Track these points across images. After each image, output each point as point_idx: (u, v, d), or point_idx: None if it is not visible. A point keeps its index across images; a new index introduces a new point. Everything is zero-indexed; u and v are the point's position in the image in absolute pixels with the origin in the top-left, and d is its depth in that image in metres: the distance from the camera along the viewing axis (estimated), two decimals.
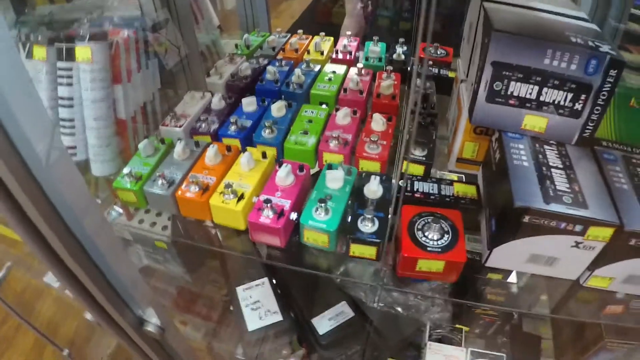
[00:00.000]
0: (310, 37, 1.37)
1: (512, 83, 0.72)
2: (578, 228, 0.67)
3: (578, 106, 0.72)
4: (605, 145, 0.79)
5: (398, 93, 1.07)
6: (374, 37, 1.28)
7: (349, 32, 1.35)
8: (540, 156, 0.74)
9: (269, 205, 0.79)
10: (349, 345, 1.20)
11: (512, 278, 0.88)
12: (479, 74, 0.74)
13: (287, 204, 0.82)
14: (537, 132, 0.77)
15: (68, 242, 0.60)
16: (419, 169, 0.90)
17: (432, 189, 0.85)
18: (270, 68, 1.15)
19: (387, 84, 1.07)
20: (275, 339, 1.31)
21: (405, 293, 0.99)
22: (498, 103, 0.75)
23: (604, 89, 0.69)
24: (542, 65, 0.70)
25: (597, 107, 0.71)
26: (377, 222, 0.79)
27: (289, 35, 1.40)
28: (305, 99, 1.11)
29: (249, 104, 1.04)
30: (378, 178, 0.84)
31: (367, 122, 0.99)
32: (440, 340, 1.09)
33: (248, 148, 0.93)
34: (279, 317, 1.22)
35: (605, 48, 0.68)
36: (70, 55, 0.88)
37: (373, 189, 0.83)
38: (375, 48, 1.26)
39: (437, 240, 0.76)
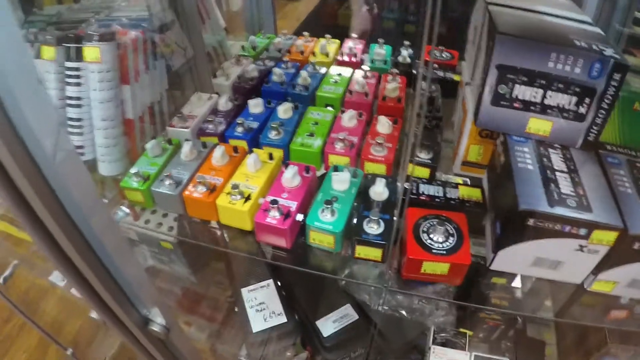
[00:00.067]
0: (316, 39, 1.38)
1: (517, 86, 0.73)
2: (582, 231, 0.67)
3: (582, 110, 0.72)
4: (609, 149, 0.79)
5: (403, 96, 1.08)
6: (379, 40, 1.28)
7: (355, 35, 1.36)
8: (545, 159, 0.75)
9: (275, 206, 0.80)
10: (353, 348, 1.20)
11: (517, 282, 0.88)
12: (483, 77, 0.75)
13: (293, 205, 0.82)
14: (542, 135, 0.77)
15: (76, 241, 0.60)
16: (424, 172, 0.91)
17: (438, 192, 0.86)
18: (276, 70, 1.15)
19: (392, 86, 1.07)
20: (279, 341, 1.31)
21: (409, 296, 0.99)
22: (503, 106, 0.76)
23: (608, 93, 0.69)
24: (546, 69, 0.70)
25: (601, 111, 0.71)
26: (382, 224, 0.79)
27: (295, 37, 1.41)
28: (311, 101, 1.11)
29: (255, 105, 1.04)
30: (384, 180, 0.84)
31: (372, 125, 0.99)
32: (444, 344, 1.09)
33: (255, 149, 0.94)
34: (283, 319, 1.23)
35: (609, 52, 0.68)
36: (78, 56, 0.89)
37: (379, 191, 0.84)
38: (381, 51, 1.26)
39: (442, 242, 0.76)
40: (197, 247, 1.29)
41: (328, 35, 1.37)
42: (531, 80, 0.72)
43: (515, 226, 0.70)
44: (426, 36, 0.47)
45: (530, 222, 0.67)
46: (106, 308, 0.74)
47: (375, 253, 0.79)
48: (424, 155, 0.90)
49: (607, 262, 0.71)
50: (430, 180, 0.89)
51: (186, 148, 0.92)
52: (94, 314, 1.43)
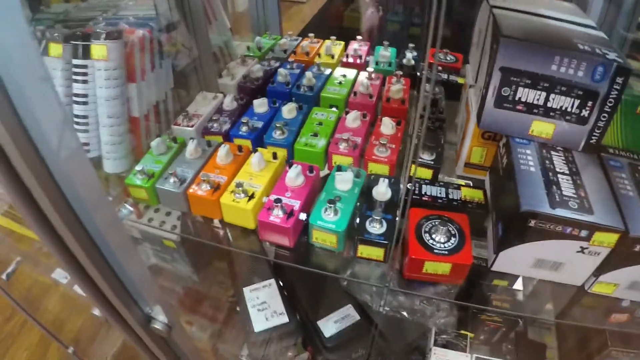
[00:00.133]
0: (321, 40, 1.38)
1: (520, 89, 0.73)
2: (583, 233, 0.67)
3: (585, 113, 0.72)
4: (611, 152, 0.79)
5: (407, 98, 1.08)
6: (384, 42, 1.29)
7: (364, 35, 1.36)
8: (547, 162, 0.75)
9: (279, 205, 0.81)
10: (354, 349, 1.21)
11: (518, 285, 0.88)
12: (487, 80, 0.75)
13: (296, 204, 0.83)
14: (545, 138, 0.78)
15: (80, 238, 0.60)
16: (427, 173, 0.91)
17: (440, 193, 0.86)
18: (281, 70, 1.16)
19: (396, 88, 1.08)
20: (280, 341, 1.32)
21: (411, 297, 1.00)
22: (506, 108, 0.76)
23: (610, 96, 0.70)
24: (549, 72, 0.71)
25: (603, 114, 0.72)
26: (385, 224, 0.80)
27: (300, 38, 1.41)
28: (316, 101, 1.12)
29: (260, 105, 1.05)
30: (387, 180, 0.85)
31: (376, 126, 1.00)
32: (445, 345, 1.09)
33: (259, 148, 0.94)
34: (285, 319, 1.23)
35: (612, 55, 0.68)
36: (86, 53, 0.90)
37: (382, 191, 0.84)
38: (386, 53, 1.27)
39: (443, 242, 0.77)
40: (199, 246, 1.30)
41: (333, 37, 1.38)
42: (534, 83, 0.72)
43: (517, 227, 0.70)
44: (430, 39, 0.48)
45: (532, 223, 0.68)
46: (109, 305, 0.74)
47: (377, 252, 0.80)
48: (427, 157, 0.91)
49: (608, 264, 0.71)
50: (433, 181, 0.89)
51: (191, 146, 0.93)
52: (96, 312, 1.43)
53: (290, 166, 0.87)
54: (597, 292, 0.76)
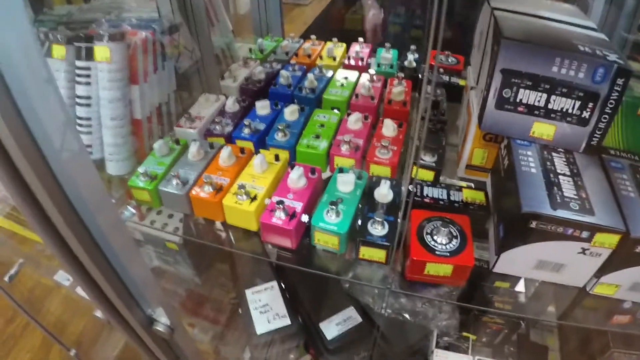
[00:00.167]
0: (323, 42, 1.39)
1: (521, 90, 0.73)
2: (584, 234, 0.67)
3: (586, 114, 0.73)
4: (612, 153, 0.80)
5: (409, 100, 1.09)
6: (386, 44, 1.29)
7: (368, 35, 1.37)
8: (548, 163, 0.75)
9: (281, 206, 0.81)
10: (356, 351, 1.21)
11: (520, 287, 0.88)
12: (488, 81, 0.75)
13: (298, 206, 0.83)
14: (546, 139, 0.78)
15: (83, 239, 0.60)
16: (428, 175, 0.91)
17: (442, 195, 0.86)
18: (283, 72, 1.16)
19: (398, 90, 1.08)
20: (283, 343, 1.31)
21: (413, 300, 1.00)
22: (507, 110, 0.76)
23: (611, 98, 0.70)
24: (550, 73, 0.71)
25: (604, 116, 0.72)
26: (387, 226, 0.80)
27: (302, 40, 1.42)
28: (318, 103, 1.12)
29: (262, 107, 1.05)
30: (388, 182, 0.85)
31: (378, 128, 1.00)
32: (447, 348, 1.09)
33: (261, 150, 0.95)
34: (287, 321, 1.23)
35: (612, 57, 0.69)
36: (89, 55, 0.90)
37: (383, 193, 0.84)
38: (387, 55, 1.27)
39: (445, 244, 0.77)
40: (201, 248, 1.30)
41: (335, 39, 1.38)
42: (535, 84, 0.72)
43: (518, 229, 0.70)
44: (431, 41, 0.48)
45: (533, 224, 0.68)
46: (111, 307, 0.74)
47: (379, 254, 0.80)
48: (428, 158, 0.91)
49: (610, 265, 0.71)
50: (435, 183, 0.89)
51: (193, 148, 0.93)
52: (98, 313, 1.43)
53: (292, 168, 0.87)
54: (599, 294, 0.76)
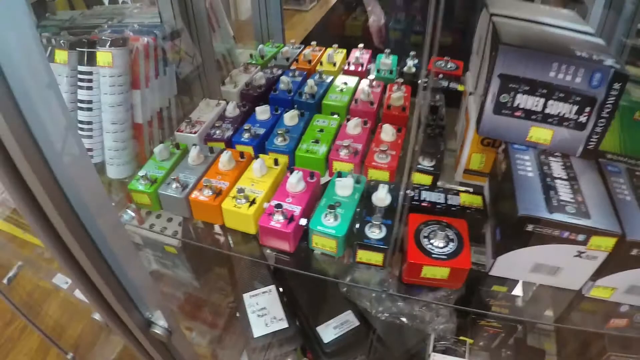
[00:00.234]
0: (323, 48, 1.40)
1: (519, 95, 0.74)
2: (581, 237, 0.68)
3: (583, 119, 0.73)
4: (609, 157, 0.80)
5: (408, 105, 1.09)
6: (386, 50, 1.30)
7: (360, 46, 1.37)
8: (545, 167, 0.76)
9: (279, 210, 0.81)
10: (353, 354, 1.21)
11: (517, 290, 0.88)
12: (486, 86, 0.76)
13: (297, 209, 0.83)
14: (543, 143, 0.78)
15: (83, 242, 0.61)
16: (426, 179, 0.92)
17: (439, 199, 0.87)
18: (283, 78, 1.17)
19: (397, 95, 1.09)
20: (280, 347, 1.31)
21: (410, 303, 1.00)
22: (505, 115, 0.77)
23: (608, 102, 0.70)
24: (547, 78, 0.71)
25: (601, 120, 0.72)
26: (384, 229, 0.81)
27: (303, 46, 1.42)
28: (317, 108, 1.13)
29: (262, 112, 1.06)
30: (386, 186, 0.86)
31: (377, 133, 1.01)
32: (444, 351, 1.09)
33: (261, 155, 0.95)
34: (284, 325, 1.23)
35: (609, 62, 0.69)
36: (91, 60, 0.91)
37: (381, 197, 0.85)
38: (387, 60, 1.28)
39: (442, 247, 0.77)
40: (200, 252, 1.31)
41: (335, 45, 1.39)
42: (533, 89, 0.73)
43: (515, 232, 0.71)
44: (428, 47, 0.49)
45: (530, 227, 0.68)
46: (109, 310, 0.74)
47: (376, 257, 0.80)
48: (426, 163, 0.92)
49: (606, 268, 0.71)
50: (433, 187, 0.90)
51: (193, 152, 0.94)
52: (96, 316, 1.44)
53: (291, 172, 0.88)
54: (595, 297, 0.77)
